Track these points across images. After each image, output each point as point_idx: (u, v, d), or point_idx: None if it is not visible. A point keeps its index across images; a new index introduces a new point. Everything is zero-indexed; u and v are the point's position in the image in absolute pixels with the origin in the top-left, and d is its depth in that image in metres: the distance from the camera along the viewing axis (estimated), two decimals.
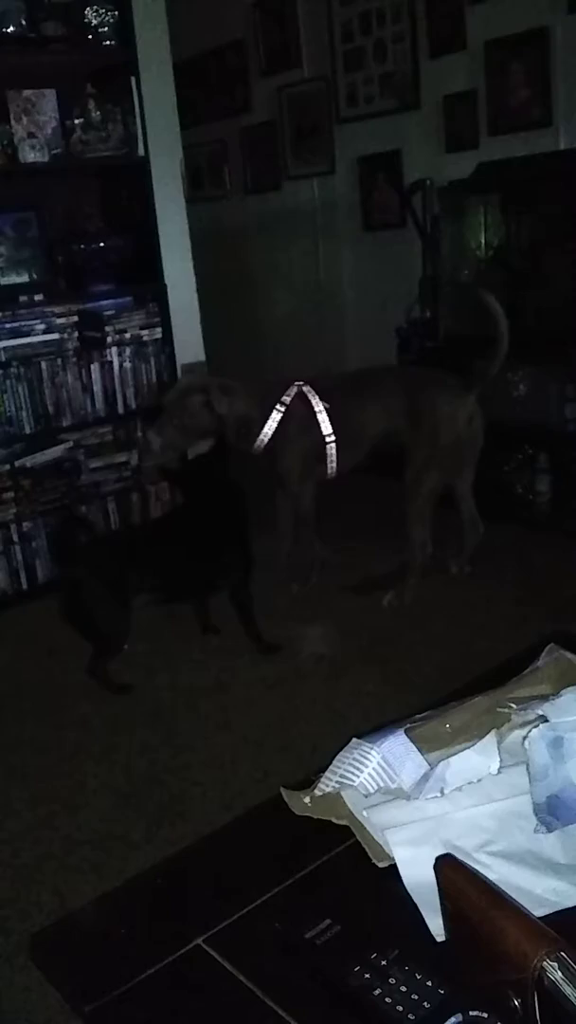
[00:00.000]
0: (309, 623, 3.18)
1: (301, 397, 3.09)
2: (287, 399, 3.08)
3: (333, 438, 3.10)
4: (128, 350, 3.62)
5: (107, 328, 3.54)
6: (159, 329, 3.67)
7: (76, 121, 3.40)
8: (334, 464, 3.14)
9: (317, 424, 3.08)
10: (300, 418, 3.08)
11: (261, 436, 3.06)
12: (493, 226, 3.79)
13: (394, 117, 4.42)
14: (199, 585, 2.96)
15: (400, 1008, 0.85)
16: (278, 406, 3.07)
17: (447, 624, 3.00)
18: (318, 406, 3.09)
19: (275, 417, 3.06)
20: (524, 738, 1.10)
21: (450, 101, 4.15)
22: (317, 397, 3.09)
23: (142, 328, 3.63)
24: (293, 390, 3.10)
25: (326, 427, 3.08)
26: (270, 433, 3.06)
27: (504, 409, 3.80)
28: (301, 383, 3.13)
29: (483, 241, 3.84)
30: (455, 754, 1.12)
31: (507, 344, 2.98)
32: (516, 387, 3.79)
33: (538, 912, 0.90)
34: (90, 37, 3.36)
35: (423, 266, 4.12)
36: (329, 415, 3.09)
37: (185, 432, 3.05)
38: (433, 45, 4.17)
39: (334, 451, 3.11)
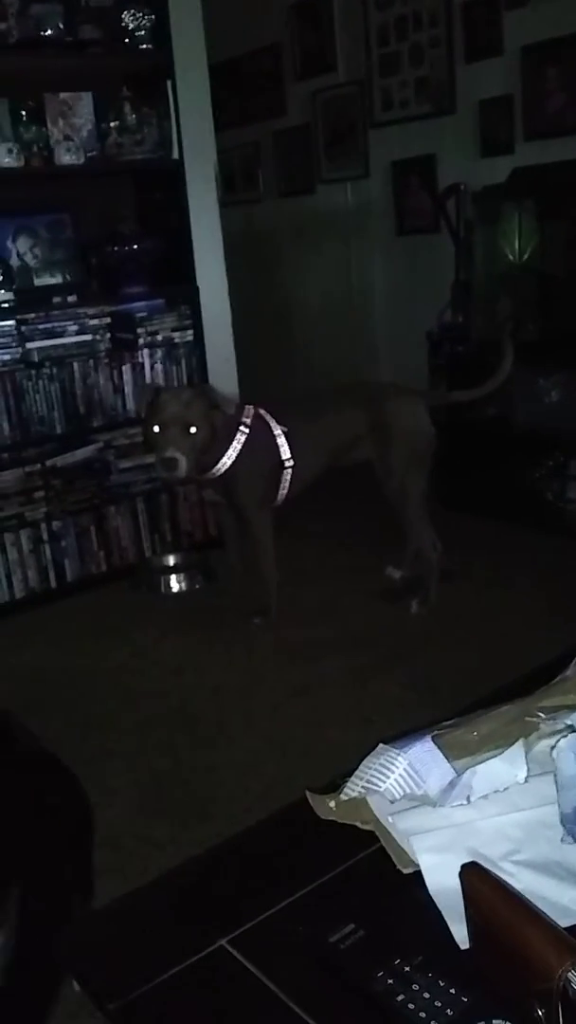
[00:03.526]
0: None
1: (259, 419, 2.96)
2: (247, 421, 2.94)
3: (292, 463, 2.98)
4: (160, 352, 3.64)
5: (139, 330, 3.56)
6: (191, 331, 3.69)
7: (111, 124, 3.43)
8: (286, 491, 3.03)
9: (277, 448, 2.97)
10: (261, 442, 2.95)
11: (224, 459, 2.90)
12: (527, 231, 3.77)
13: (429, 122, 4.41)
14: None
15: (423, 1015, 0.85)
16: (241, 427, 2.92)
17: (474, 631, 2.98)
18: (276, 429, 2.96)
19: (239, 439, 2.91)
20: (552, 748, 1.09)
21: (486, 106, 4.14)
22: (274, 420, 2.98)
23: (174, 330, 3.65)
24: (250, 411, 2.97)
25: (285, 451, 2.96)
26: (233, 456, 2.91)
27: (535, 415, 3.78)
28: (252, 406, 2.99)
29: (517, 246, 3.82)
30: (482, 762, 1.11)
31: (492, 389, 3.07)
32: (547, 393, 3.77)
33: (563, 922, 0.90)
34: (127, 40, 3.39)
35: (456, 271, 4.11)
36: (287, 438, 2.98)
37: (194, 443, 2.80)
38: (469, 50, 4.16)
39: (289, 477, 2.99)
